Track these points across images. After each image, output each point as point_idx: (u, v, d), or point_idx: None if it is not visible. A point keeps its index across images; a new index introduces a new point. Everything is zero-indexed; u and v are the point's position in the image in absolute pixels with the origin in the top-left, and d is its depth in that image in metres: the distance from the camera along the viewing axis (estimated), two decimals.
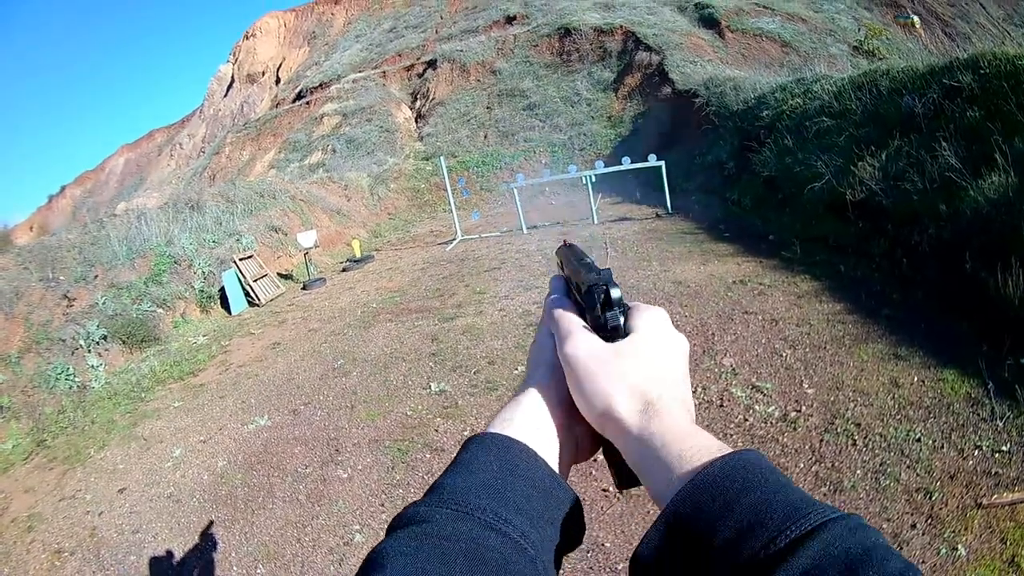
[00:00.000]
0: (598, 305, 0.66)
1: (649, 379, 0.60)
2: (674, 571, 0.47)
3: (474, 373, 6.76)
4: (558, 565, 0.55)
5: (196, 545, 4.65)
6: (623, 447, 0.59)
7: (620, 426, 0.59)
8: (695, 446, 0.53)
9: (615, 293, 0.65)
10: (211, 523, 4.86)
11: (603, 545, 3.85)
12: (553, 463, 0.60)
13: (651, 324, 0.66)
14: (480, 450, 0.58)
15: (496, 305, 9.07)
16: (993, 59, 8.60)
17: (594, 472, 4.50)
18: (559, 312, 0.70)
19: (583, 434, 0.65)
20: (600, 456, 0.67)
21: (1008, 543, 3.31)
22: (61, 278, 11.19)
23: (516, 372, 6.59)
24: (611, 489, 4.29)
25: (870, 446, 4.34)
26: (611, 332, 0.65)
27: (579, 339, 0.65)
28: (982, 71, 8.62)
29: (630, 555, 0.49)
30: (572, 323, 0.67)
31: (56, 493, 6.00)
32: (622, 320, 0.66)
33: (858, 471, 4.09)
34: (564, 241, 0.88)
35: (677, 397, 0.61)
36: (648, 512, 4.01)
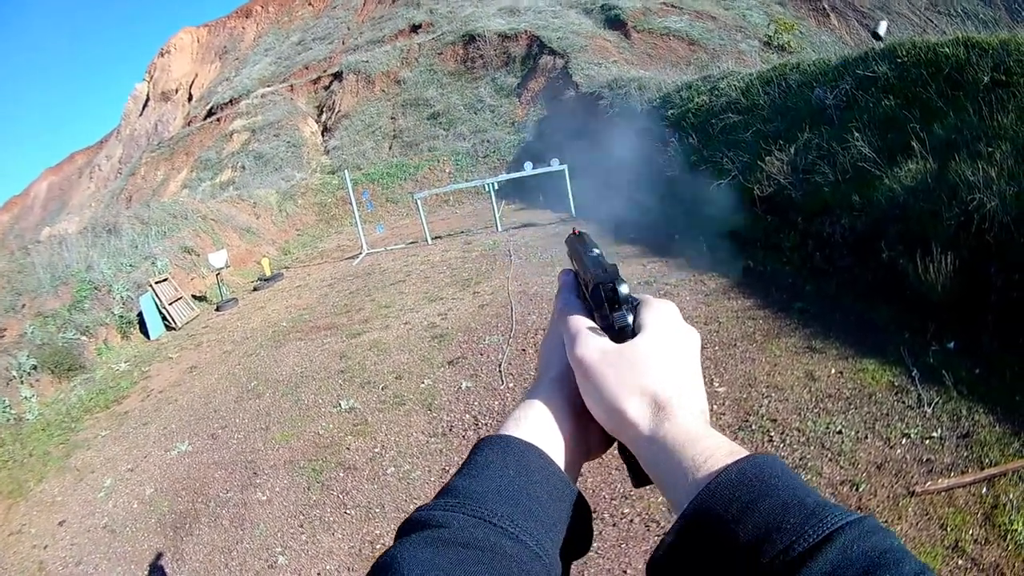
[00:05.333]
0: (605, 304, 0.63)
1: (659, 380, 0.57)
2: (691, 575, 0.45)
3: (382, 389, 6.77)
4: (567, 572, 0.53)
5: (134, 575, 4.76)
6: (636, 450, 0.57)
7: (632, 429, 0.56)
8: (709, 448, 0.51)
9: (623, 290, 0.63)
10: (145, 552, 4.96)
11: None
12: (564, 464, 0.58)
13: (660, 321, 0.63)
14: (494, 453, 0.55)
15: (401, 319, 9.05)
16: (912, 47, 8.36)
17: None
18: (567, 314, 0.67)
19: (595, 433, 0.62)
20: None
21: (949, 528, 3.24)
22: None
23: (423, 385, 6.58)
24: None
25: (788, 441, 4.23)
26: (619, 332, 0.62)
27: (587, 341, 0.62)
28: (899, 60, 8.37)
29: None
30: (580, 325, 0.64)
31: (4, 528, 5.96)
32: (630, 319, 0.62)
33: None
34: (574, 230, 0.83)
35: (688, 396, 0.58)
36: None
